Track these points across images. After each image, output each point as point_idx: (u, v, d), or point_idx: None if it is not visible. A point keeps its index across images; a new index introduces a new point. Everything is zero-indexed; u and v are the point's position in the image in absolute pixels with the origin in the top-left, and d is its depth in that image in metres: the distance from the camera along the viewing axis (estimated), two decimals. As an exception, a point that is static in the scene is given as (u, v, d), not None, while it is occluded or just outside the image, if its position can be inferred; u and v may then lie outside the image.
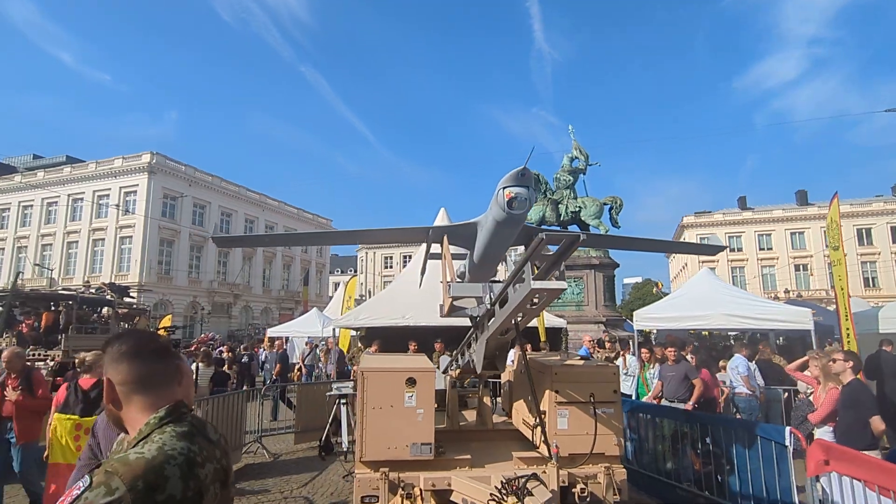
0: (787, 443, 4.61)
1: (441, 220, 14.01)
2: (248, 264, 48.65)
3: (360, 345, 12.11)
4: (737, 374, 8.09)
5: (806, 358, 6.35)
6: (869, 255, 49.64)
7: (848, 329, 9.21)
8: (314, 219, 58.72)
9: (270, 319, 48.54)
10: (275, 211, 53.60)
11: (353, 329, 13.67)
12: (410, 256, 72.90)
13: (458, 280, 5.64)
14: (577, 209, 23.21)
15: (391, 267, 72.82)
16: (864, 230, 49.87)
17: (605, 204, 23.39)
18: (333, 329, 12.60)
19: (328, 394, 8.65)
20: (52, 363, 10.45)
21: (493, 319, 4.07)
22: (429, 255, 5.19)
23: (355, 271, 77.82)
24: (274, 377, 13.68)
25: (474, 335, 4.84)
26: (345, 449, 8.18)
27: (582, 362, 4.92)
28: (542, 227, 24.25)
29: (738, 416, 7.98)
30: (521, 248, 4.59)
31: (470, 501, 3.94)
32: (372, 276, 71.95)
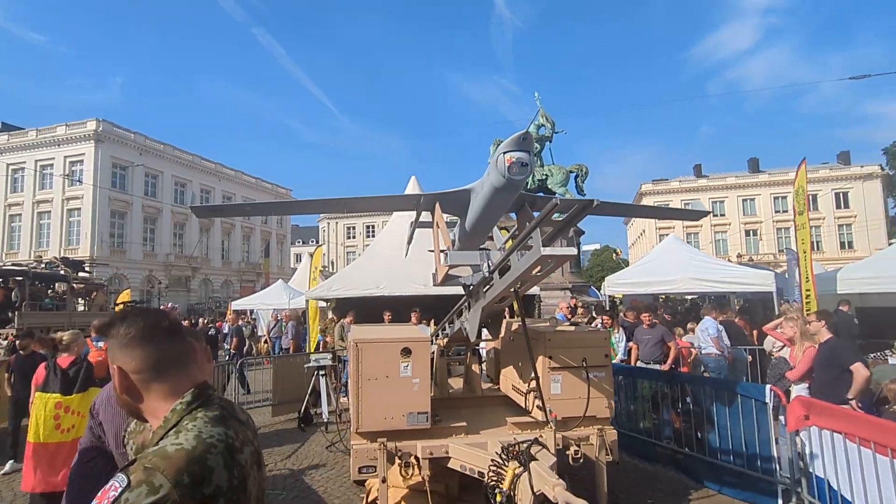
0: (768, 400, 4.80)
1: (412, 188, 13.80)
2: (205, 236, 47.13)
3: (331, 316, 11.93)
4: (707, 335, 8.38)
5: (781, 319, 6.61)
6: (815, 221, 52.15)
7: (808, 290, 9.65)
8: (273, 188, 57.11)
9: (231, 292, 47.47)
10: (231, 180, 51.82)
11: (323, 300, 13.45)
12: (374, 227, 72.74)
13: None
14: (544, 177, 23.33)
15: (354, 237, 72.05)
16: (811, 196, 52.19)
17: (571, 172, 23.52)
18: (306, 301, 12.35)
19: (306, 365, 8.52)
20: (4, 342, 9.89)
21: (490, 287, 4.02)
22: (417, 224, 5.06)
23: (317, 242, 76.70)
24: (232, 351, 13.42)
25: (466, 304, 4.78)
26: (325, 420, 8.13)
27: (573, 328, 4.96)
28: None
29: (707, 375, 8.30)
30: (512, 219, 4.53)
31: (469, 468, 3.95)
32: (334, 246, 71.06)
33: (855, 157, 56.07)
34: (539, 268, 3.33)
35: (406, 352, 4.18)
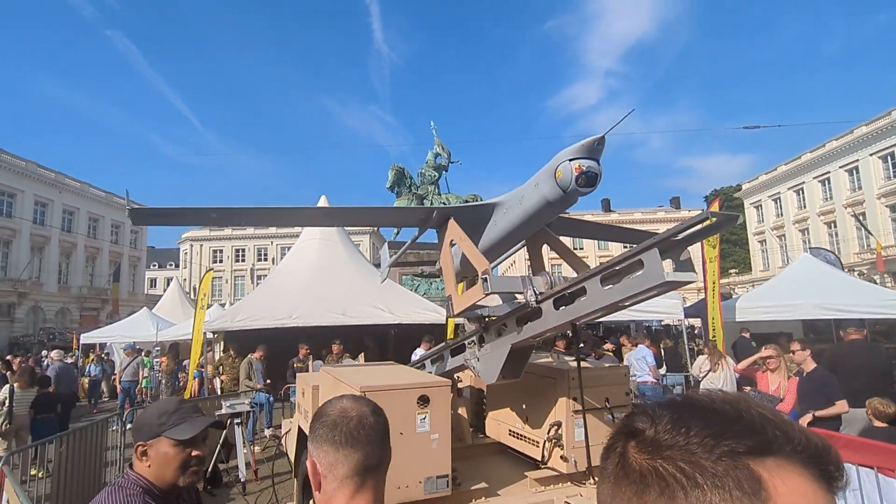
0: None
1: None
2: (38, 256, 40.08)
3: (230, 351, 10.26)
4: (644, 364, 8.44)
5: (756, 357, 6.76)
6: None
7: (714, 319, 10.31)
8: (128, 205, 50.48)
9: (68, 322, 40.69)
10: (77, 194, 44.99)
11: (211, 332, 11.64)
12: (243, 251, 67.60)
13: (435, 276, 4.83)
14: (443, 204, 23.51)
15: (221, 261, 66.21)
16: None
17: (467, 201, 23.88)
18: (205, 333, 10.52)
19: (218, 413, 7.04)
20: None
21: (534, 321, 3.37)
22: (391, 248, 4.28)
23: (176, 265, 69.38)
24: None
25: (474, 339, 4.06)
26: (242, 479, 6.73)
27: (591, 364, 4.46)
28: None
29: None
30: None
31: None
32: (198, 270, 64.80)
33: (683, 202, 65.48)
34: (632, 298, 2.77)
35: (423, 400, 3.35)
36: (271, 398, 9.16)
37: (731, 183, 58.46)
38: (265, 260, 68.09)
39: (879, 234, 33.43)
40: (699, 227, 2.33)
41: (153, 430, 1.65)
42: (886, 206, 37.43)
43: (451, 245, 3.81)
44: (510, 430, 4.56)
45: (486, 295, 3.26)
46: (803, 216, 45.67)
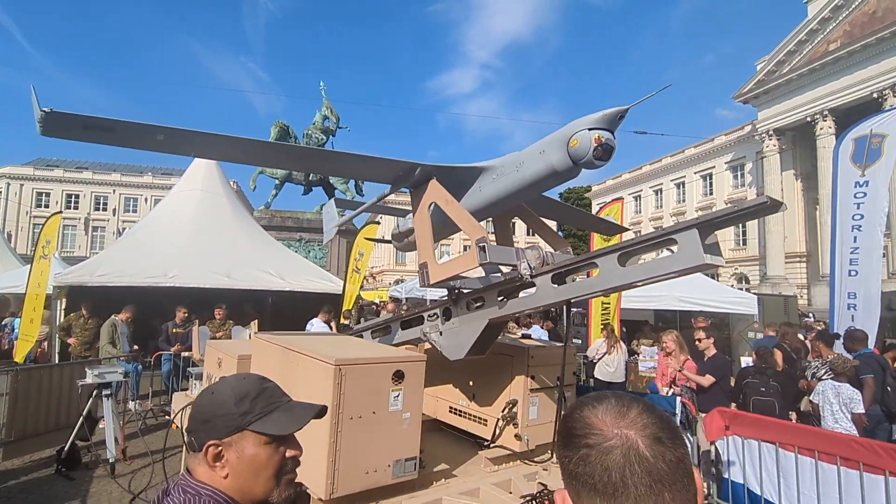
0: (678, 411, 5.08)
1: (208, 169, 11.28)
2: None
3: (83, 311, 8.66)
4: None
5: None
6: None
7: (610, 304, 11.13)
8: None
9: None
10: None
11: (57, 286, 9.83)
12: (77, 197, 58.44)
13: (396, 242, 4.42)
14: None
15: (47, 206, 56.63)
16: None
17: (352, 168, 23.03)
18: (51, 285, 8.70)
19: (80, 382, 5.88)
20: None
21: (528, 296, 3.19)
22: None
23: (-14, 206, 58.17)
24: None
25: (438, 312, 3.79)
26: (110, 459, 5.75)
27: (545, 344, 4.41)
28: (290, 184, 22.44)
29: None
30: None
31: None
32: (17, 213, 55.13)
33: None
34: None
35: (398, 377, 3.02)
36: (140, 367, 7.96)
37: (583, 184, 63.58)
38: (104, 210, 60.01)
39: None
40: (745, 211, 2.30)
41: (232, 421, 1.15)
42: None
43: (429, 208, 3.47)
44: (451, 408, 4.38)
45: (482, 265, 3.01)
46: (637, 220, 51.81)
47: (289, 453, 1.21)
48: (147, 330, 9.41)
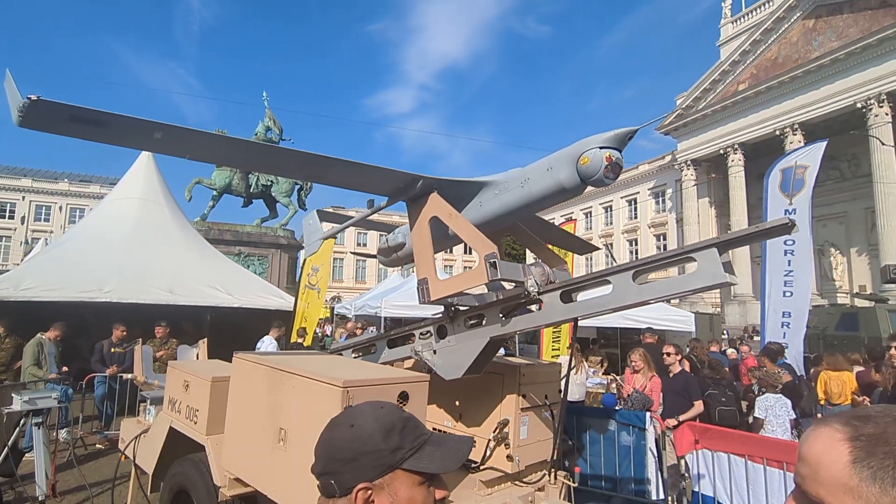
0: (648, 426, 5.19)
1: (147, 166, 10.58)
2: None
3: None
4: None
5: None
6: (448, 261, 63.31)
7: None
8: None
9: None
10: None
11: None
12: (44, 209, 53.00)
13: (382, 256, 4.27)
14: (269, 183, 21.97)
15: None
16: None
17: (296, 184, 22.56)
18: None
19: (6, 409, 5.23)
20: None
21: (533, 313, 3.15)
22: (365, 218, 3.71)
23: None
24: None
25: (430, 330, 3.68)
26: (41, 497, 5.14)
27: (534, 361, 4.37)
28: (228, 195, 21.52)
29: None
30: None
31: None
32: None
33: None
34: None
35: (403, 398, 2.88)
36: (70, 391, 7.20)
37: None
38: (10, 218, 55.02)
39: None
40: (764, 231, 2.39)
41: (384, 459, 1.00)
42: (627, 241, 48.69)
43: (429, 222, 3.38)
44: (435, 429, 4.25)
45: (492, 281, 2.95)
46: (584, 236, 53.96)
47: (438, 494, 1.06)
48: (71, 350, 8.59)
